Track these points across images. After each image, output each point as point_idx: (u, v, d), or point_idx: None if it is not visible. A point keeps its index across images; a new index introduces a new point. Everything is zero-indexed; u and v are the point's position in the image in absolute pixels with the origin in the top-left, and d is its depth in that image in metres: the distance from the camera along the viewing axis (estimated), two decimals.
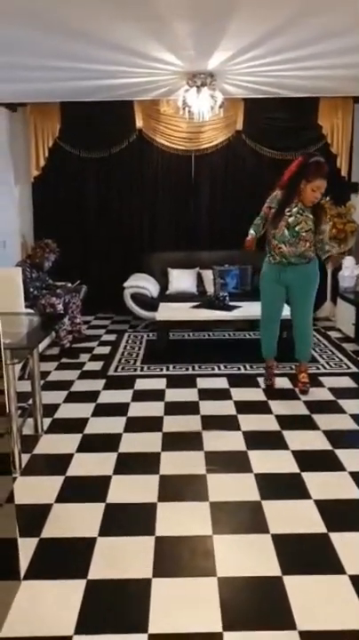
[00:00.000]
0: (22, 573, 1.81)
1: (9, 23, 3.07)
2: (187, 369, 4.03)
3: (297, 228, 3.24)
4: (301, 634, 1.55)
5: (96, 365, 4.17)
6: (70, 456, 2.68)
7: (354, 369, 3.98)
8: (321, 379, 3.77)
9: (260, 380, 3.72)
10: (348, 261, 5.25)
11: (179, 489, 2.34)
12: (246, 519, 2.13)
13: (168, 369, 4.04)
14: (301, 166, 3.18)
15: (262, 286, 3.52)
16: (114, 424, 3.06)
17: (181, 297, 5.12)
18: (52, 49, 3.59)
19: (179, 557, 1.90)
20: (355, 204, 5.51)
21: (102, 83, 4.60)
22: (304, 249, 3.28)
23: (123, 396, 3.52)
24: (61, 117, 5.48)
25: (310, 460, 2.60)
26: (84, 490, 2.35)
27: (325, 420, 3.05)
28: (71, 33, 3.26)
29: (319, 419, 3.08)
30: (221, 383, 3.72)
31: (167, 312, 4.47)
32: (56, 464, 2.60)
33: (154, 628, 1.58)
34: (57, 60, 3.85)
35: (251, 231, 3.44)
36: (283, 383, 3.68)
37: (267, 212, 3.37)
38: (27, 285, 4.28)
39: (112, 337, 5.00)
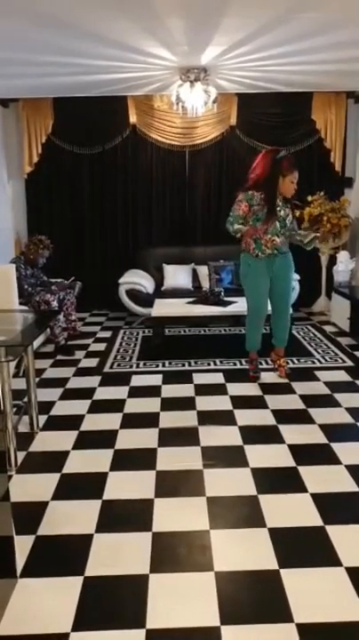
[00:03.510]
0: (19, 571, 1.81)
1: (1, 18, 3.03)
2: (183, 365, 4.03)
3: (287, 220, 3.44)
4: (298, 626, 1.56)
5: (91, 362, 4.16)
6: (66, 453, 2.67)
7: (349, 363, 3.99)
8: (316, 373, 3.78)
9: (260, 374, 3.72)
10: (343, 256, 5.26)
11: (175, 484, 2.34)
12: (243, 513, 2.13)
13: (164, 365, 4.04)
14: (273, 165, 3.34)
15: (250, 282, 3.57)
16: (110, 421, 3.05)
17: (177, 293, 5.11)
18: (45, 44, 3.56)
19: (176, 553, 1.90)
20: (349, 199, 5.52)
21: (95, 78, 4.56)
22: (287, 236, 3.50)
23: (118, 392, 3.51)
24: (54, 113, 5.43)
25: (306, 454, 2.60)
26: (81, 487, 2.35)
27: (321, 414, 3.06)
28: (64, 28, 3.23)
29: (315, 412, 3.09)
30: (217, 378, 3.72)
31: (162, 308, 4.46)
32: (52, 461, 2.59)
33: (151, 623, 1.58)
34: (49, 55, 3.81)
35: (241, 227, 3.40)
36: (276, 378, 3.69)
37: (246, 211, 3.42)
38: (21, 282, 4.26)
39: (107, 334, 4.98)
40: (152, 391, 3.51)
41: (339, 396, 3.34)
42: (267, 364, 3.89)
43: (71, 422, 3.03)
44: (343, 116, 5.48)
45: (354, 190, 5.64)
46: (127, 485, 2.35)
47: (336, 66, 4.29)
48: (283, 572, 1.79)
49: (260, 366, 3.79)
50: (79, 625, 1.58)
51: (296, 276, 3.80)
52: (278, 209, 3.38)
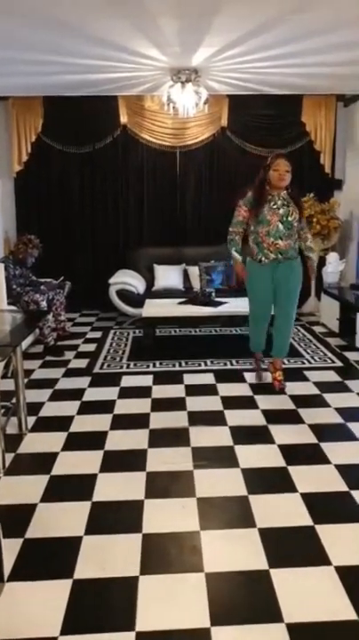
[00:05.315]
0: (6, 575, 1.78)
1: None
2: (174, 365, 4.02)
3: (290, 219, 3.27)
4: (289, 626, 1.55)
5: (81, 363, 4.13)
6: (55, 455, 2.64)
7: (338, 363, 4.02)
8: (306, 373, 3.79)
9: (247, 375, 3.73)
10: (332, 257, 5.30)
11: (166, 485, 2.33)
12: (233, 514, 2.13)
13: (154, 365, 4.03)
14: (263, 168, 3.33)
15: (252, 287, 3.45)
16: (100, 421, 3.03)
17: (167, 293, 5.11)
18: (36, 43, 3.53)
19: (166, 554, 1.89)
20: (339, 201, 5.56)
21: (86, 77, 4.54)
22: (295, 240, 3.32)
23: (109, 393, 3.49)
24: (44, 112, 5.41)
25: (296, 454, 2.61)
26: (70, 488, 2.33)
27: (310, 414, 3.07)
28: (56, 27, 3.21)
29: (304, 413, 3.10)
30: (208, 379, 3.72)
31: (153, 308, 4.45)
32: (41, 463, 2.56)
33: (141, 625, 1.57)
34: (40, 53, 3.79)
35: (236, 255, 3.39)
36: (267, 378, 3.69)
37: (246, 216, 3.35)
38: (9, 282, 4.22)
39: (97, 334, 4.96)
40: (142, 392, 3.50)
41: (328, 397, 3.36)
42: (263, 363, 3.88)
43: (60, 423, 3.01)
44: (332, 119, 5.53)
45: (343, 192, 5.69)
46: (117, 487, 2.33)
47: (326, 69, 4.32)
48: (272, 571, 1.78)
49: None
50: (68, 629, 1.56)
51: None
52: (274, 207, 3.23)
